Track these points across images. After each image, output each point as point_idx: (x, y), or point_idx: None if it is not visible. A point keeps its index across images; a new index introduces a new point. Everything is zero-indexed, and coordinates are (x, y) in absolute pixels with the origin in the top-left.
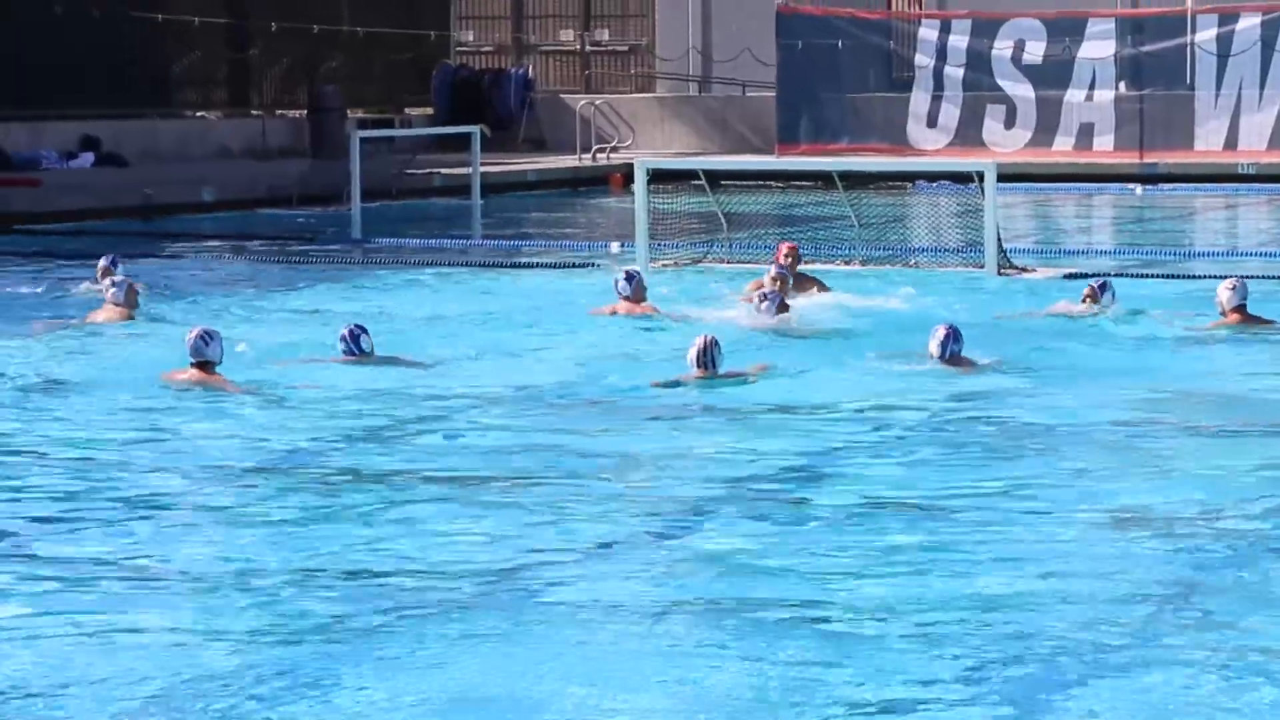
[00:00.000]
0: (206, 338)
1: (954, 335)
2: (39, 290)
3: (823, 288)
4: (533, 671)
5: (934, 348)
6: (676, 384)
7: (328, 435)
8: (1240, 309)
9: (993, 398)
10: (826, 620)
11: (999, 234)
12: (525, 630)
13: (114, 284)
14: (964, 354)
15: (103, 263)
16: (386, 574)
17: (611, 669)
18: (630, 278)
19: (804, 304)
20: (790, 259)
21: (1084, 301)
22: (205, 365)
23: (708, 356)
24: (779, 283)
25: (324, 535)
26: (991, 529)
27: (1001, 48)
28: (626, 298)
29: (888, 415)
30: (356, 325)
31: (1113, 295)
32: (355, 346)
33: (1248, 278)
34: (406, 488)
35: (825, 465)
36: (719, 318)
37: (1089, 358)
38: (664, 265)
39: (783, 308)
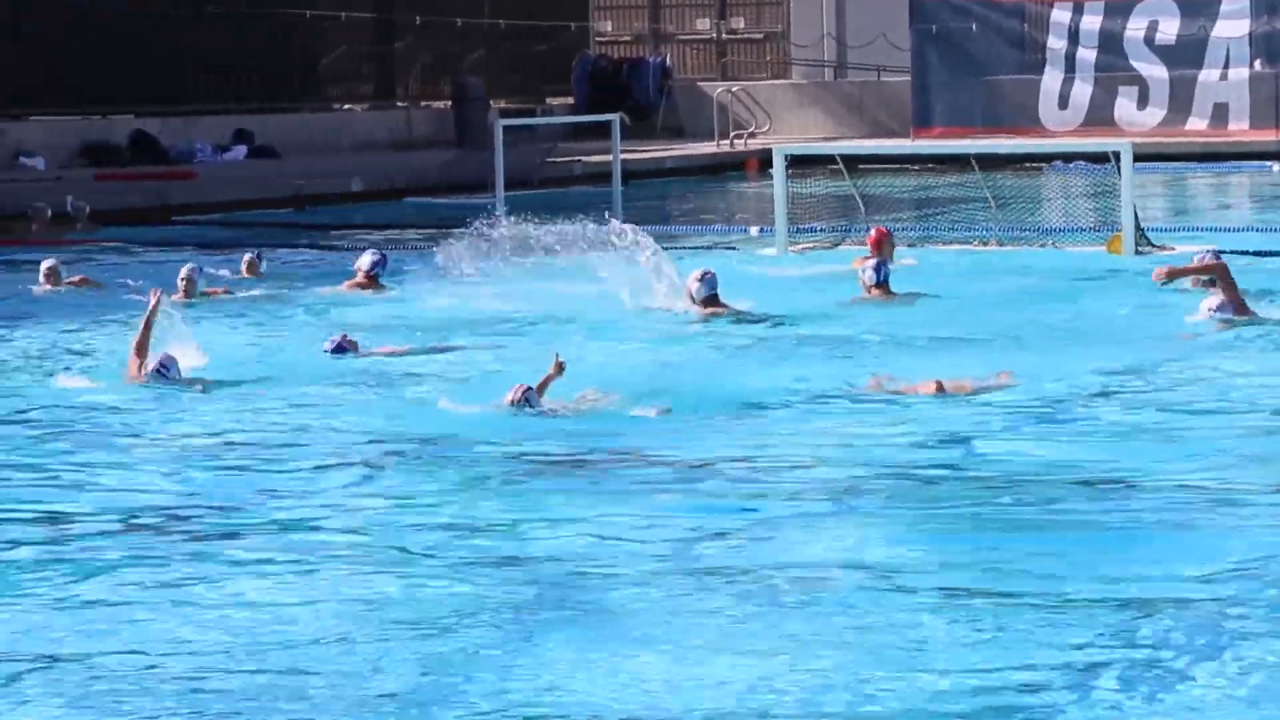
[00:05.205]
0: (163, 370)
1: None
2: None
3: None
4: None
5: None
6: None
7: (447, 421)
8: None
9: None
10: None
11: (1136, 213)
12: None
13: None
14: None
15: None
16: (527, 559)
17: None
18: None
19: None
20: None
21: None
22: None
23: (517, 409)
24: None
25: (459, 521)
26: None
27: (1134, 28)
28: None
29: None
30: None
31: None
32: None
33: None
34: (539, 473)
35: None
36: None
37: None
38: (804, 249)
39: (711, 303)
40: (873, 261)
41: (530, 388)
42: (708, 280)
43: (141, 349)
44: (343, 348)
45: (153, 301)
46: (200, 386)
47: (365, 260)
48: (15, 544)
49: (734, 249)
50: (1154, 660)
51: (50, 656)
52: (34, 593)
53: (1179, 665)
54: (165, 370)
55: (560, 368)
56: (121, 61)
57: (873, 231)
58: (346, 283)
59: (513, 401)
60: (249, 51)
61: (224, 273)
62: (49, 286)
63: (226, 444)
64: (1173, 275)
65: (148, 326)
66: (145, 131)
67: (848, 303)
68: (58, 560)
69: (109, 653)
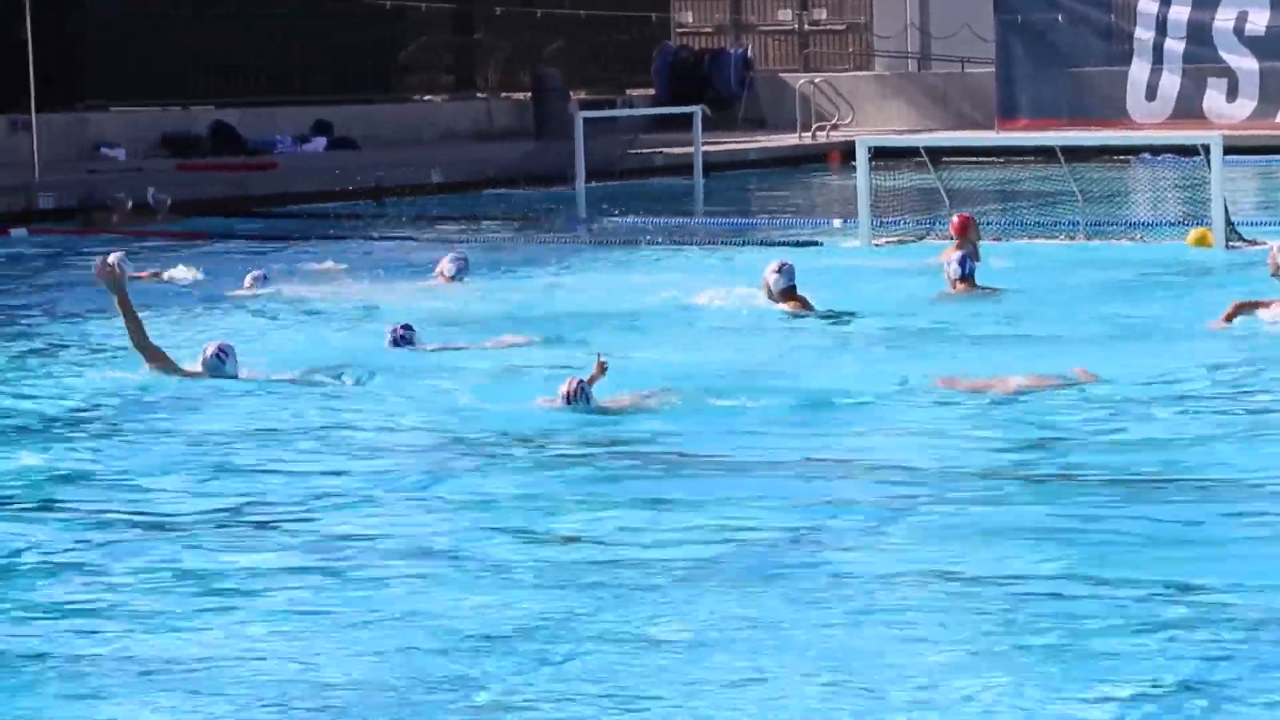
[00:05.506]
0: (223, 355)
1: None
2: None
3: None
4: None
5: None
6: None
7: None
8: None
9: None
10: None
11: (1226, 207)
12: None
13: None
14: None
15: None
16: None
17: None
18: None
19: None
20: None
21: None
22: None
23: (573, 404)
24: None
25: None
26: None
27: (1224, 19)
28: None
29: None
30: (403, 326)
31: None
32: (409, 339)
33: None
34: (630, 467)
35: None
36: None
37: None
38: (888, 242)
39: (789, 296)
40: (957, 255)
41: (583, 381)
42: (785, 272)
43: (140, 341)
44: (405, 338)
45: (108, 276)
46: (264, 377)
47: (447, 266)
48: (81, 543)
49: (817, 242)
50: (1259, 671)
51: (110, 655)
52: (82, 599)
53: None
54: (224, 356)
55: (603, 368)
56: (202, 52)
57: (955, 218)
58: (425, 282)
59: (568, 394)
60: (329, 42)
61: (316, 266)
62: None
63: (287, 440)
64: (1229, 319)
65: (126, 308)
66: (225, 122)
67: (932, 297)
68: (119, 562)
69: (169, 654)
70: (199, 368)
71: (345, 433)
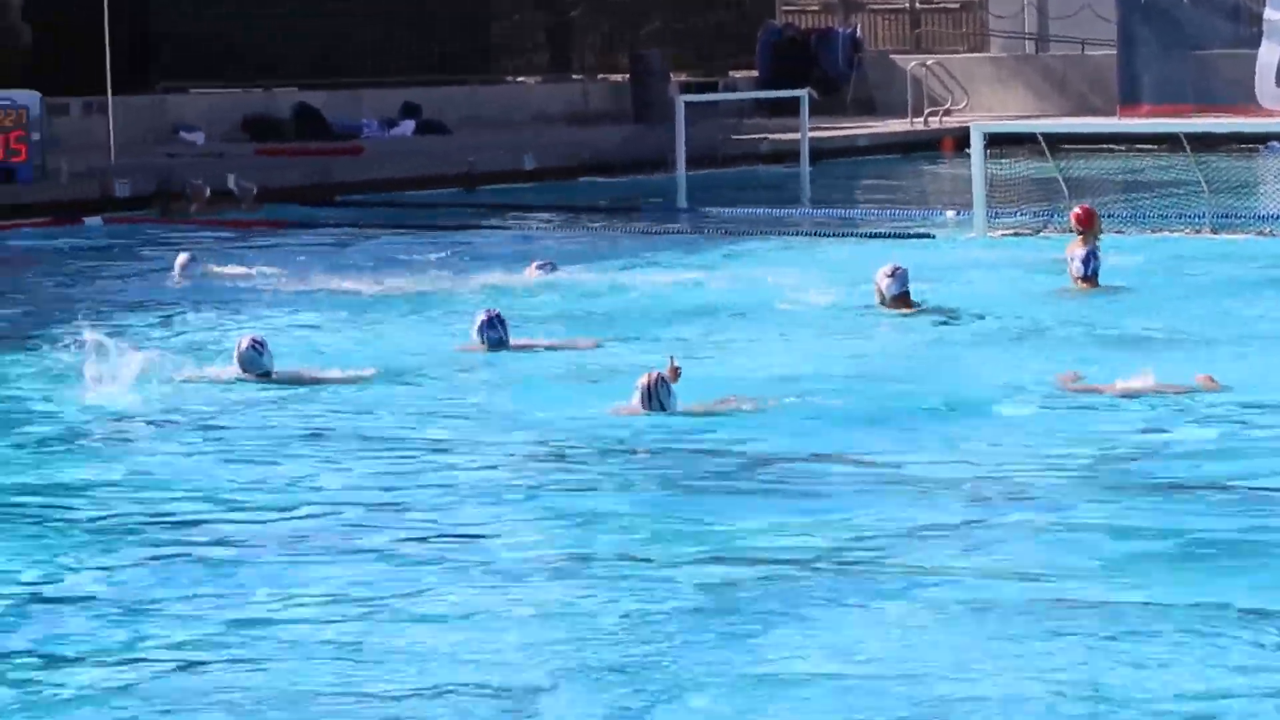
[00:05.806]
0: (259, 347)
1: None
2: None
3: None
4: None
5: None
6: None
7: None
8: None
9: None
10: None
11: None
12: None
13: None
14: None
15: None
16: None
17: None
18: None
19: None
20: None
21: None
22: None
23: (654, 400)
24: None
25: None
26: None
27: None
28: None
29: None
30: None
31: None
32: (504, 331)
33: None
34: (742, 472)
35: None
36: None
37: None
38: (1003, 234)
39: (902, 301)
40: (1081, 253)
41: (662, 374)
42: (899, 277)
43: None
44: (497, 319)
45: None
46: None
47: (535, 273)
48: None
49: (930, 235)
50: None
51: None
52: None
53: None
54: (260, 348)
55: (676, 372)
56: (284, 31)
57: (1078, 209)
58: (512, 278)
59: (647, 386)
60: (418, 21)
61: (414, 257)
62: (179, 278)
63: (343, 442)
64: None
65: None
66: (309, 105)
67: (1053, 293)
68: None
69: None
70: (234, 364)
71: (402, 438)
